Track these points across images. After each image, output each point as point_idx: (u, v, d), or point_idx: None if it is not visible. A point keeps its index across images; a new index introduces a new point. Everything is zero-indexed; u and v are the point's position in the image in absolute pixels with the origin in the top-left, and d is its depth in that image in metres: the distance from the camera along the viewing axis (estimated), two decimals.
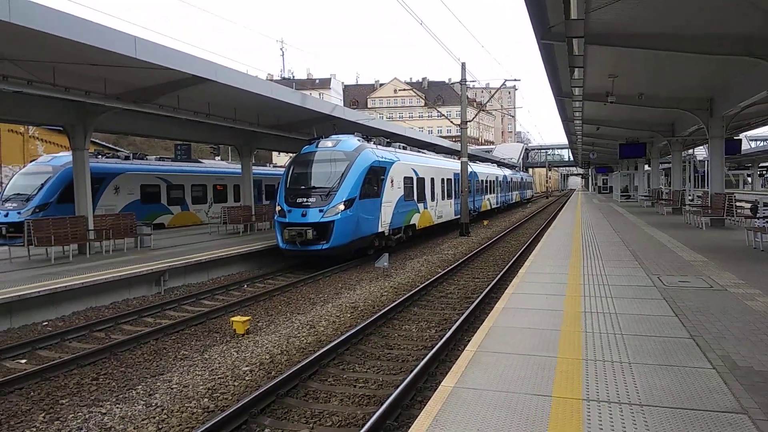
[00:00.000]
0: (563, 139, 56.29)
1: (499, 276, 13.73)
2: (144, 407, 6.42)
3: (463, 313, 10.06)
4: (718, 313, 6.66)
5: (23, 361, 8.54)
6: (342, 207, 15.90)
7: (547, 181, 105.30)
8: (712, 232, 16.20)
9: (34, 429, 5.96)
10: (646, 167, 39.92)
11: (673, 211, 24.90)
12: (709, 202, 18.50)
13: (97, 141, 37.44)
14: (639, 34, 11.43)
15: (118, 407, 6.45)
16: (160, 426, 5.93)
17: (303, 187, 16.67)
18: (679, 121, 24.33)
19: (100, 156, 24.59)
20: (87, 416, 6.22)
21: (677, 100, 18.63)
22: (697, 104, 18.32)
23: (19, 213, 19.93)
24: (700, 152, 41.30)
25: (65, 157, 21.37)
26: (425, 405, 4.30)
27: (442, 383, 4.66)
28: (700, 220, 17.92)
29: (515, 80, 29.46)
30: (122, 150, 35.25)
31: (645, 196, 34.57)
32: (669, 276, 9.18)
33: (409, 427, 4.06)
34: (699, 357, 5.10)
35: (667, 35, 11.44)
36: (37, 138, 37.88)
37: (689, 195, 26.60)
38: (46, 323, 10.58)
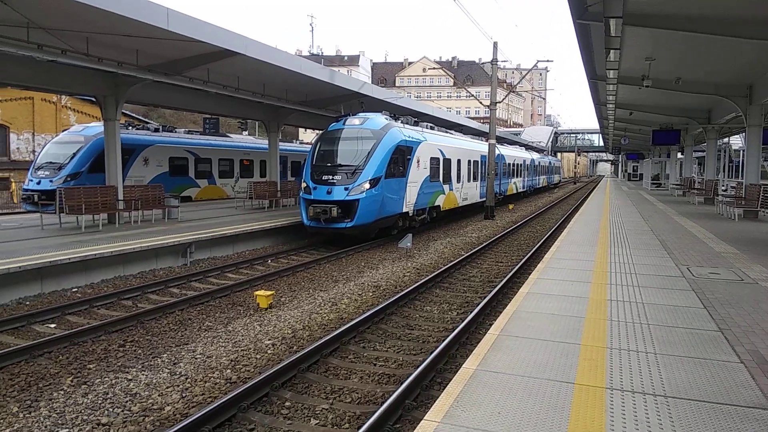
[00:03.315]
0: (594, 124, 55.31)
1: (523, 261, 13.61)
2: (168, 375, 6.56)
3: (485, 297, 10.02)
4: (748, 306, 6.50)
5: (53, 325, 8.78)
6: (367, 186, 15.87)
7: (575, 166, 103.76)
8: (745, 224, 15.80)
9: (62, 392, 6.13)
10: (679, 155, 39.04)
11: (705, 201, 24.34)
12: (743, 193, 18.02)
13: (127, 112, 37.95)
14: (679, 16, 11.07)
15: (143, 374, 6.60)
16: (183, 394, 6.06)
17: (329, 164, 16.66)
18: (716, 108, 23.66)
19: (130, 127, 24.92)
20: (113, 381, 6.38)
21: (715, 86, 18.09)
22: (735, 91, 17.77)
23: (51, 181, 20.38)
24: (736, 141, 40.21)
25: (97, 127, 21.69)
26: (446, 386, 4.30)
27: (464, 365, 4.64)
28: (733, 211, 17.48)
29: (548, 61, 28.94)
30: (152, 122, 35.64)
31: (676, 184, 33.85)
32: (698, 267, 8.99)
33: (429, 407, 4.07)
34: (727, 350, 4.99)
35: (708, 17, 11.05)
36: (70, 108, 38.59)
37: (723, 185, 25.96)
38: (75, 290, 10.85)
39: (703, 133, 26.79)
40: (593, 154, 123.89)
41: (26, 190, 21.26)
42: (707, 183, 25.65)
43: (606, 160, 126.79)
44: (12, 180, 33.56)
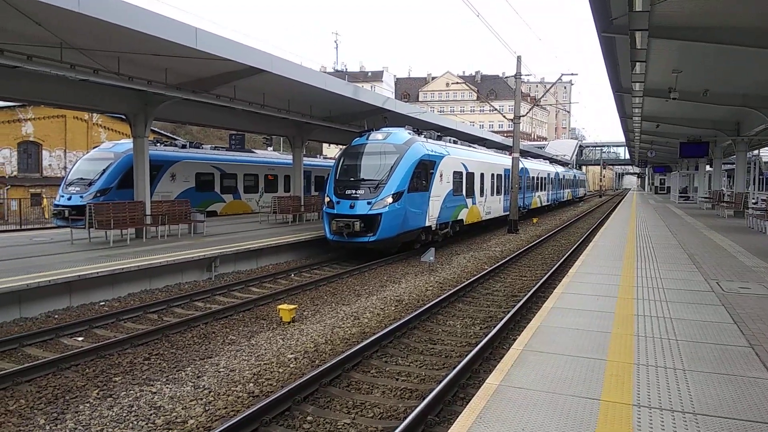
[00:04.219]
0: (619, 137, 54.64)
1: (547, 275, 13.45)
2: (192, 389, 6.61)
3: (509, 311, 9.91)
4: None
5: (80, 338, 8.94)
6: (390, 200, 15.90)
7: (601, 179, 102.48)
8: None
9: (88, 404, 6.22)
10: (708, 168, 38.30)
11: (734, 214, 23.80)
12: None
13: (156, 129, 38.78)
14: (706, 27, 10.93)
15: (167, 387, 6.67)
16: (206, 408, 6.09)
17: (352, 179, 16.75)
18: (745, 120, 23.18)
19: (158, 144, 25.40)
20: (138, 394, 6.45)
21: (744, 98, 17.76)
22: (765, 102, 17.41)
23: (81, 197, 20.83)
24: (766, 153, 39.31)
25: (126, 144, 22.17)
26: (468, 402, 4.25)
27: (487, 381, 4.59)
28: (763, 224, 17.06)
29: (572, 74, 29.30)
30: (179, 138, 36.31)
31: (705, 197, 33.18)
32: (728, 281, 8.78)
33: (451, 423, 4.02)
34: (758, 367, 4.85)
35: (735, 28, 10.89)
36: (101, 125, 39.59)
37: (753, 198, 25.36)
38: (103, 303, 11.04)
39: (732, 145, 26.28)
40: (619, 167, 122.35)
41: (57, 205, 21.76)
42: (737, 196, 25.10)
43: (632, 173, 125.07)
44: (44, 196, 34.44)
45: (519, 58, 25.53)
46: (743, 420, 3.81)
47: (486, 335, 8.43)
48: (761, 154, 38.37)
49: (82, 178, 21.96)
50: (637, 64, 11.63)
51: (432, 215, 18.27)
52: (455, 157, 20.72)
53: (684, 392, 4.30)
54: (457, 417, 3.97)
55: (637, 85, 14.45)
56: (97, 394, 6.54)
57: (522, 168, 29.90)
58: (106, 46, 12.13)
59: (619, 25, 11.02)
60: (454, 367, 6.89)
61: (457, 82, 74.82)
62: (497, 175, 26.48)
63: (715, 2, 9.73)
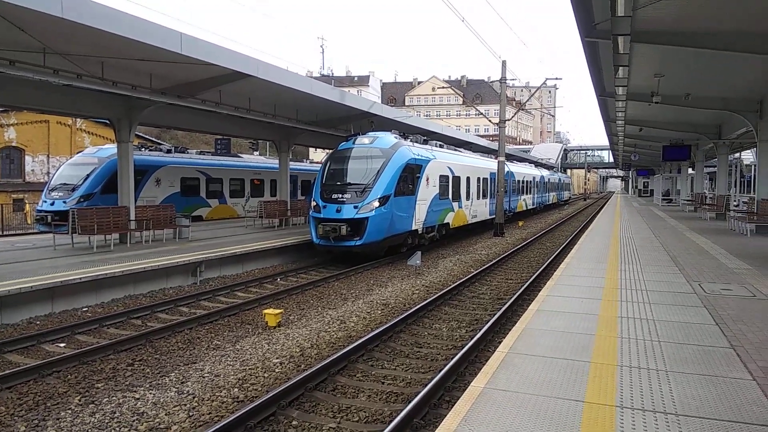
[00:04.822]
0: (604, 140, 55.18)
1: (532, 278, 13.52)
2: (176, 394, 6.55)
3: (495, 315, 9.94)
4: (761, 323, 6.41)
5: (62, 344, 8.82)
6: (376, 204, 15.91)
7: (585, 182, 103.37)
8: (758, 240, 15.62)
9: (70, 411, 6.14)
10: (690, 170, 38.79)
11: (716, 217, 24.11)
12: (756, 208, 17.84)
13: (140, 134, 38.47)
14: (687, 32, 11.09)
15: (151, 393, 6.60)
16: (190, 413, 6.04)
17: (339, 183, 16.74)
18: (726, 123, 23.52)
19: (143, 149, 25.21)
20: (121, 401, 6.38)
21: (725, 101, 18.02)
22: (746, 106, 17.68)
23: (64, 202, 20.60)
24: (747, 156, 39.90)
25: (110, 149, 21.97)
26: (454, 405, 4.26)
27: (472, 383, 4.60)
28: (745, 226, 17.30)
29: (556, 79, 29.07)
30: (164, 143, 36.08)
31: (687, 200, 33.57)
32: (710, 283, 8.89)
33: (436, 426, 4.03)
34: (739, 368, 4.91)
35: (716, 33, 11.06)
36: (84, 130, 39.19)
37: (734, 200, 25.71)
38: (86, 309, 10.91)
39: (714, 148, 26.65)
40: (603, 170, 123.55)
41: (40, 211, 21.49)
42: (719, 198, 25.43)
43: (616, 177, 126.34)
44: (26, 201, 34.00)
45: (504, 63, 25.71)
46: (725, 420, 3.86)
47: (471, 338, 8.45)
48: (742, 156, 38.98)
49: (65, 183, 21.72)
50: (620, 68, 11.75)
51: (418, 219, 18.30)
52: (441, 161, 20.79)
53: (666, 393, 4.34)
54: (443, 420, 3.97)
55: (620, 89, 14.60)
56: (79, 400, 6.46)
57: (507, 171, 30.06)
58: (89, 51, 12.01)
59: (602, 30, 11.13)
60: (440, 371, 6.90)
61: (443, 87, 75.31)
62: (483, 178, 26.61)
63: (695, 7, 9.88)
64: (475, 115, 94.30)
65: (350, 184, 16.50)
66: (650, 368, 4.91)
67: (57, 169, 23.94)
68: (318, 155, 63.43)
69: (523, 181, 37.21)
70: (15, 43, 10.87)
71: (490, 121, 31.73)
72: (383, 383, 7.01)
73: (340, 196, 16.25)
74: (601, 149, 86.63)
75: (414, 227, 18.05)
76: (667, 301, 7.61)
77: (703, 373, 4.77)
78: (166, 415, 6.00)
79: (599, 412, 4.00)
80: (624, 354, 5.30)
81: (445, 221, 21.19)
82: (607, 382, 4.58)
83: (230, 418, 5.52)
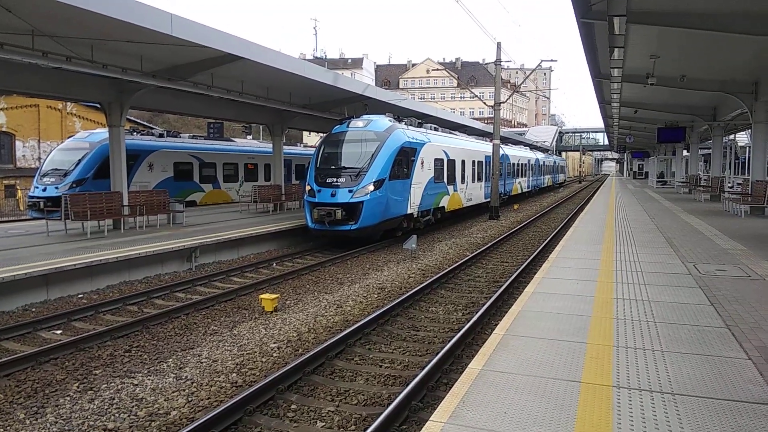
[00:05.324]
0: (599, 123, 55.16)
1: (528, 260, 13.57)
2: (174, 380, 6.56)
3: (491, 297, 9.99)
4: (756, 302, 6.45)
5: (59, 331, 8.81)
6: (371, 187, 15.87)
7: (580, 165, 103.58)
8: (752, 221, 15.70)
9: (68, 398, 6.14)
10: (685, 152, 38.85)
11: (711, 198, 24.20)
12: (750, 190, 17.92)
13: (132, 118, 38.13)
14: (682, 13, 11.01)
15: (149, 379, 6.61)
16: (189, 398, 6.05)
17: (333, 167, 16.67)
18: (721, 105, 23.53)
19: (135, 133, 24.98)
20: (119, 387, 6.39)
21: (721, 83, 18.00)
22: (741, 87, 17.67)
23: (56, 188, 20.45)
24: (742, 138, 39.97)
25: (102, 133, 21.76)
26: (451, 387, 4.27)
27: (470, 365, 4.62)
28: (739, 207, 17.38)
29: (552, 60, 28.99)
30: (156, 127, 35.77)
31: (682, 182, 33.68)
32: (705, 264, 8.93)
33: (435, 408, 4.05)
34: (734, 347, 4.95)
35: (712, 14, 10.98)
36: (75, 115, 38.81)
37: (729, 182, 25.81)
38: (81, 296, 10.88)
39: (709, 130, 26.69)
40: (598, 152, 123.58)
41: (32, 197, 21.34)
42: (713, 180, 25.53)
43: (611, 159, 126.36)
44: (18, 187, 33.76)
45: (499, 45, 25.57)
46: (720, 399, 3.89)
47: (468, 321, 8.49)
48: (737, 138, 39.03)
49: (57, 169, 21.54)
50: (616, 49, 11.69)
51: (413, 202, 18.29)
52: (436, 144, 20.72)
53: (662, 373, 4.37)
54: (441, 401, 3.99)
55: (615, 71, 14.54)
56: (78, 387, 6.46)
57: (503, 154, 30.03)
58: (79, 33, 11.82)
59: (597, 10, 11.04)
60: (437, 353, 6.93)
61: (438, 69, 74.78)
62: (478, 161, 26.57)
63: None
64: (470, 97, 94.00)
65: (345, 168, 16.44)
66: (646, 348, 4.94)
67: (48, 155, 23.71)
68: (312, 139, 63.08)
69: (518, 164, 37.20)
70: (3, 26, 10.67)
71: (485, 103, 31.63)
72: (381, 366, 7.04)
73: (335, 180, 16.20)
74: (596, 131, 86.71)
75: (409, 211, 18.04)
76: (662, 282, 7.65)
77: (698, 353, 4.80)
78: (165, 400, 6.01)
79: (596, 392, 4.03)
80: (620, 335, 5.33)
81: (441, 205, 21.18)
82: (603, 363, 4.60)
83: (229, 403, 5.53)
